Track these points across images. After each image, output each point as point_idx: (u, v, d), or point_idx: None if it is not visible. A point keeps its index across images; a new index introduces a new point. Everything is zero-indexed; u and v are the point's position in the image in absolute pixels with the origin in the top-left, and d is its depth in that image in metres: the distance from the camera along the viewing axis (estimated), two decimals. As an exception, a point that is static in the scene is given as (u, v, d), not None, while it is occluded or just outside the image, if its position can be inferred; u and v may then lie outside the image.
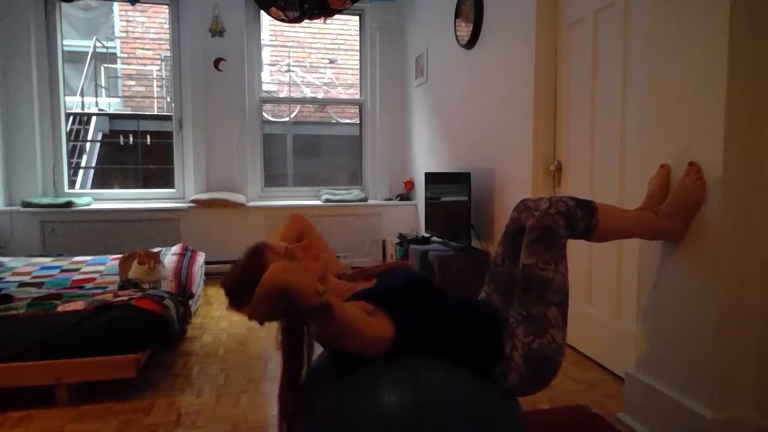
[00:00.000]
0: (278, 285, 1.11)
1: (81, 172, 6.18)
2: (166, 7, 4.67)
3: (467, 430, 1.27)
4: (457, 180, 3.40)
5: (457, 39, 3.70)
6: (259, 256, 1.34)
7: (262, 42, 5.24)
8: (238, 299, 1.31)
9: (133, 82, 8.02)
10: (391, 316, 1.28)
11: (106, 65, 7.55)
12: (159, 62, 7.88)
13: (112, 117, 6.96)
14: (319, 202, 4.83)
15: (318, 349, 1.39)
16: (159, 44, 7.83)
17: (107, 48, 7.69)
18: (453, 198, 3.46)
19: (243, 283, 1.28)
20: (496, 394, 1.36)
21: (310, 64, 8.12)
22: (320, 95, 7.67)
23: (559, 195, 1.47)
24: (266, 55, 7.69)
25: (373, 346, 1.25)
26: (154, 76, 7.96)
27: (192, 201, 4.44)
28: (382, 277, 1.48)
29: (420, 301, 1.38)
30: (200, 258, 3.67)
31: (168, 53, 4.86)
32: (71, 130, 5.82)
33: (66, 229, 4.24)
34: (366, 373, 1.30)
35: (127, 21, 8.04)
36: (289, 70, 7.80)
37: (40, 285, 2.84)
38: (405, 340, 1.28)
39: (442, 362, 1.33)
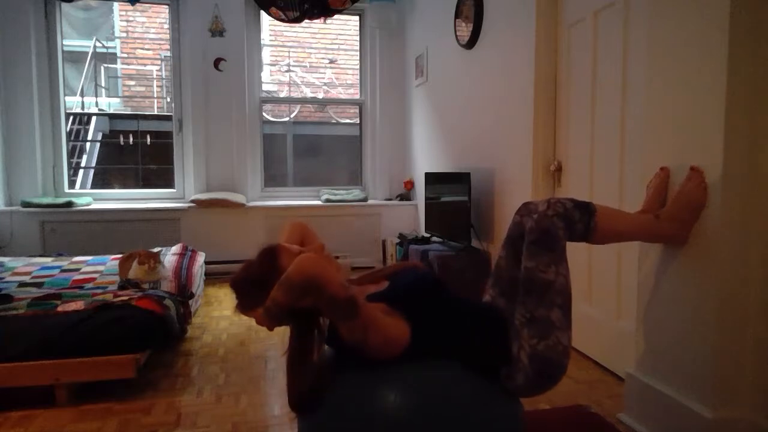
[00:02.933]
0: (308, 273, 1.09)
1: (81, 172, 6.17)
2: (166, 7, 4.67)
3: (467, 430, 1.27)
4: (457, 180, 3.40)
5: (457, 39, 3.70)
6: (273, 256, 1.29)
7: (262, 42, 5.24)
8: (248, 300, 1.27)
9: (133, 82, 8.02)
10: (406, 318, 1.28)
11: (106, 65, 7.55)
12: (159, 62, 7.87)
13: (112, 117, 6.96)
14: (319, 202, 4.83)
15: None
16: (159, 44, 7.83)
17: (107, 48, 7.68)
18: (453, 198, 3.46)
19: (255, 283, 1.24)
20: (497, 395, 1.36)
21: (310, 64, 8.12)
22: (320, 95, 7.67)
23: (558, 197, 1.47)
24: (266, 55, 7.69)
25: (393, 346, 1.25)
26: (154, 76, 7.95)
27: (192, 201, 4.44)
28: (392, 279, 1.48)
29: (432, 303, 1.38)
30: (200, 258, 3.67)
31: (168, 53, 4.86)
32: (71, 130, 5.82)
33: (66, 229, 4.24)
34: (367, 372, 1.30)
35: (127, 21, 8.04)
36: (289, 70, 7.80)
37: (40, 285, 2.84)
38: (419, 343, 1.28)
39: (443, 363, 1.33)
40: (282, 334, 2.93)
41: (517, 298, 1.43)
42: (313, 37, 8.17)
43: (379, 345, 1.22)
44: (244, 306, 1.28)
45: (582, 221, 1.44)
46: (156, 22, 8.01)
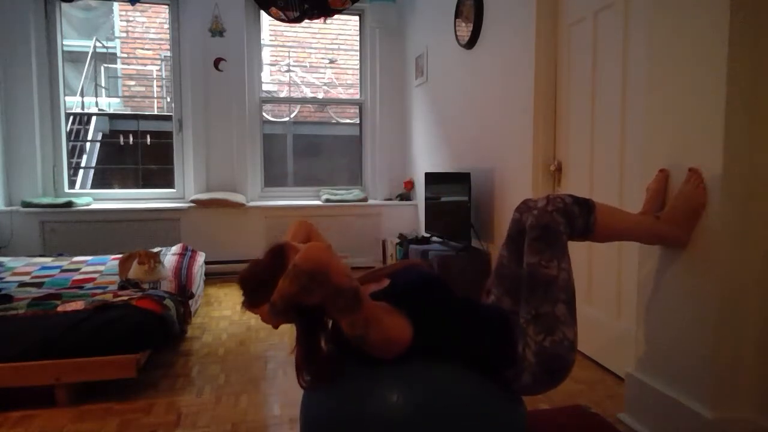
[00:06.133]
0: (315, 259, 1.09)
1: (81, 172, 6.17)
2: (166, 7, 4.67)
3: (469, 430, 1.27)
4: (457, 180, 3.40)
5: (457, 39, 3.70)
6: (281, 254, 1.29)
7: (262, 42, 5.24)
8: (255, 297, 1.27)
9: (133, 82, 8.02)
10: (408, 318, 1.27)
11: (106, 65, 7.55)
12: (159, 62, 7.87)
13: (112, 117, 6.96)
14: (319, 202, 4.83)
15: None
16: (159, 44, 7.82)
17: (107, 48, 7.68)
18: (453, 198, 3.46)
19: (263, 280, 1.24)
20: (499, 395, 1.36)
21: (310, 64, 8.11)
22: (320, 95, 7.67)
23: (557, 193, 1.47)
24: (266, 55, 7.69)
25: (394, 345, 1.24)
26: (154, 76, 7.95)
27: (192, 201, 4.44)
28: (394, 277, 1.47)
29: (434, 303, 1.37)
30: (200, 258, 3.67)
31: (168, 53, 4.86)
32: (71, 130, 5.81)
33: (66, 229, 4.24)
34: (368, 371, 1.30)
35: (127, 21, 8.04)
36: (289, 70, 7.80)
37: (40, 285, 2.84)
38: (421, 343, 1.28)
39: (445, 363, 1.33)
40: (283, 334, 2.94)
41: (521, 296, 1.43)
42: (313, 37, 8.17)
43: (381, 343, 1.22)
44: (251, 303, 1.28)
45: (582, 216, 1.44)
46: (156, 22, 8.01)
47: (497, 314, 1.47)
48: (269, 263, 1.28)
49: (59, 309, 2.30)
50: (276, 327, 1.25)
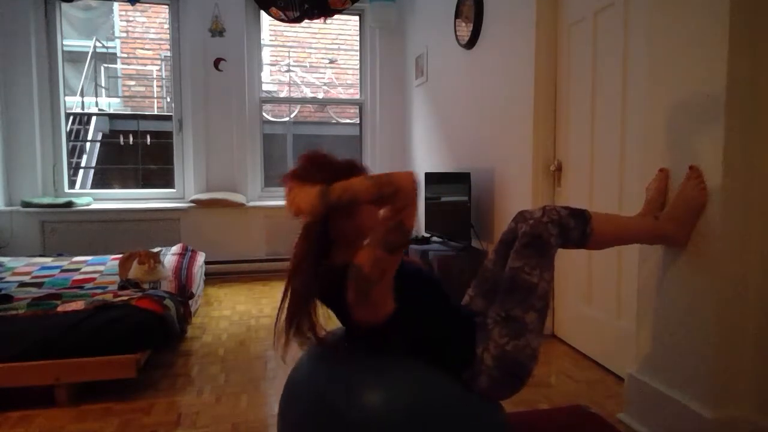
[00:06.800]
0: (411, 188, 1.16)
1: (81, 172, 6.18)
2: (166, 7, 4.67)
3: (449, 430, 1.28)
4: (457, 180, 3.40)
5: (457, 39, 3.70)
6: (355, 168, 1.34)
7: (262, 42, 5.24)
8: (310, 174, 1.27)
9: (133, 82, 8.02)
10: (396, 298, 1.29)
11: (106, 65, 7.55)
12: (159, 62, 7.87)
13: (112, 117, 6.96)
14: (319, 202, 4.82)
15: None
16: (159, 44, 7.83)
17: (107, 48, 7.69)
18: (453, 198, 3.46)
19: (331, 167, 1.30)
20: (478, 398, 1.36)
21: (310, 64, 8.12)
22: (320, 95, 7.67)
23: (554, 205, 1.47)
24: (266, 55, 7.69)
25: (381, 311, 1.26)
26: (154, 76, 7.96)
27: (192, 201, 4.44)
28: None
29: (423, 296, 1.39)
30: (200, 258, 3.67)
31: (168, 53, 4.86)
32: (71, 130, 5.82)
33: (66, 229, 4.24)
34: (351, 373, 1.32)
35: (127, 21, 8.04)
36: (289, 70, 7.80)
37: (40, 285, 2.84)
38: (392, 324, 1.29)
39: (420, 363, 1.34)
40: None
41: (494, 299, 1.43)
42: (313, 37, 8.17)
43: (377, 301, 1.23)
44: (302, 175, 1.28)
45: (578, 228, 1.45)
46: (156, 22, 8.01)
47: (463, 312, 1.49)
48: (343, 164, 1.33)
49: (59, 309, 2.30)
50: (296, 214, 1.23)
